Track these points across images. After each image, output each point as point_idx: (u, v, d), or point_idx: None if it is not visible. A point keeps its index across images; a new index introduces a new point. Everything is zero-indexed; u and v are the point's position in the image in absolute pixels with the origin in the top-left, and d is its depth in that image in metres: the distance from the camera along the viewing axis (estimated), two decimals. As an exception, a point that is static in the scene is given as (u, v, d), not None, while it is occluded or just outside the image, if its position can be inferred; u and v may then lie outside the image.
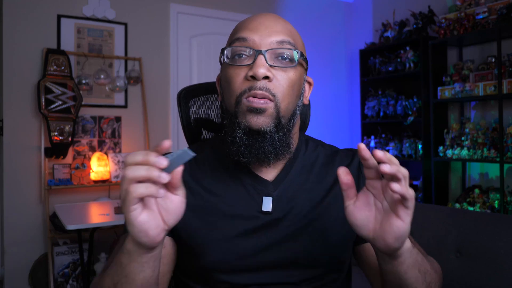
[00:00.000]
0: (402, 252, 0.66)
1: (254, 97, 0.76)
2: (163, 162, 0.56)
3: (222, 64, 0.83)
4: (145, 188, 0.56)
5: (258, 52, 0.76)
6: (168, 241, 0.83)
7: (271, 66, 0.77)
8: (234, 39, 0.80)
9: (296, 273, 0.81)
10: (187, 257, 0.83)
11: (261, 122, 0.76)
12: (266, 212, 0.81)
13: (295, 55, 0.79)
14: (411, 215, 0.61)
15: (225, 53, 0.80)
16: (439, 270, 0.82)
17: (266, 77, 0.76)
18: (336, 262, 0.84)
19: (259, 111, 0.76)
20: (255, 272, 0.80)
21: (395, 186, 0.57)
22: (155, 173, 0.56)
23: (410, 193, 0.59)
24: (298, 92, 0.83)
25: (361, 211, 0.64)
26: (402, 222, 0.61)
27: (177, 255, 0.85)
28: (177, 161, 0.58)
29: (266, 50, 0.77)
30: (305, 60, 0.83)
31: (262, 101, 0.76)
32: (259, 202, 0.82)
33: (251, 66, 0.77)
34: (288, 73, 0.78)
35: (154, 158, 0.56)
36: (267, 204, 0.81)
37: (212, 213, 0.81)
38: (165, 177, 0.56)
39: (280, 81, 0.78)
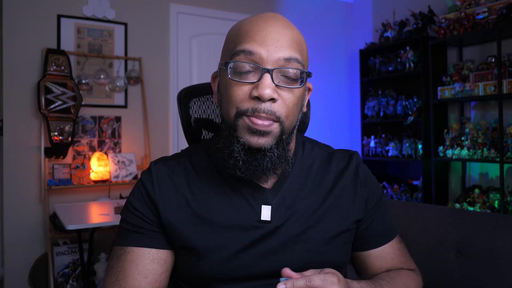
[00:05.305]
0: None
1: (257, 118, 0.72)
2: None
3: (222, 73, 0.78)
4: None
5: (264, 70, 0.72)
6: (169, 255, 0.82)
7: (276, 85, 0.73)
8: (238, 50, 0.74)
9: None
10: (185, 266, 0.82)
11: (263, 142, 0.73)
12: (265, 221, 0.79)
13: (302, 73, 0.75)
14: None
15: (228, 66, 0.74)
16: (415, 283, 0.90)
17: (272, 99, 0.72)
18: (334, 266, 0.82)
19: (262, 134, 0.73)
20: (255, 280, 0.79)
21: None
22: None
23: None
24: (301, 106, 0.79)
25: None
26: None
27: (175, 263, 0.84)
28: None
29: (273, 69, 0.72)
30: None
31: (266, 123, 0.72)
32: (257, 211, 0.80)
33: (256, 84, 0.72)
34: (293, 92, 0.75)
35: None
36: (266, 213, 0.80)
37: (210, 223, 0.79)
38: None
39: (286, 101, 0.74)
